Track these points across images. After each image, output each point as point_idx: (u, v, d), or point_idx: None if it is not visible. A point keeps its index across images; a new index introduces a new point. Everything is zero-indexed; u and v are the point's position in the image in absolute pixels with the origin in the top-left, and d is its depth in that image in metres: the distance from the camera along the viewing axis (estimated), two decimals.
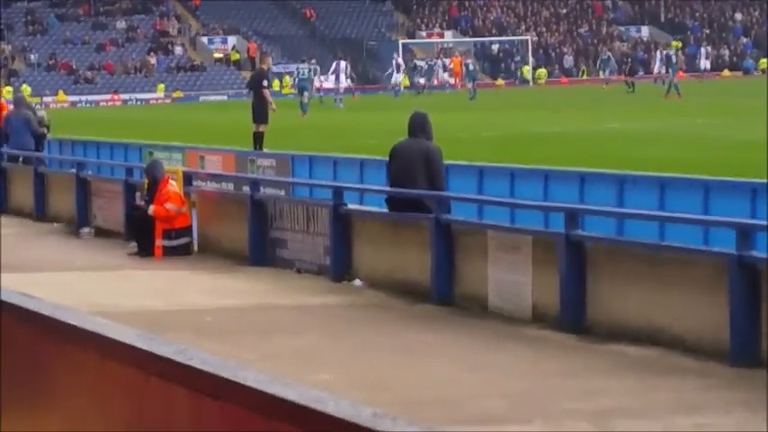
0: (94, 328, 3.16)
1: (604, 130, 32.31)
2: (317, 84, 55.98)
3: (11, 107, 25.09)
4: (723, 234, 10.29)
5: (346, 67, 55.65)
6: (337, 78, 53.72)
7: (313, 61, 53.14)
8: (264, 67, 28.95)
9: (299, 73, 48.52)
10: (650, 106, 44.37)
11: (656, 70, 61.91)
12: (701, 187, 14.37)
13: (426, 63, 69.99)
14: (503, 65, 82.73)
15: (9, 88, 62.40)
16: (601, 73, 66.51)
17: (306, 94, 47.02)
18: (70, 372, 3.38)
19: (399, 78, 63.39)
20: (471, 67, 61.76)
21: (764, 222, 10.72)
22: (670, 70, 53.21)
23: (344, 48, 78.94)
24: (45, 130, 24.56)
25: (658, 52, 56.94)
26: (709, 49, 73.15)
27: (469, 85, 59.53)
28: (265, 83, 26.96)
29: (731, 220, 10.45)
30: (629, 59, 56.08)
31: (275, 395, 2.38)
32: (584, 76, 78.51)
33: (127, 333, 3.03)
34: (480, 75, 71.18)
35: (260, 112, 26.52)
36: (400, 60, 65.34)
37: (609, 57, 66.50)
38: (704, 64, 69.42)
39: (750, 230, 9.59)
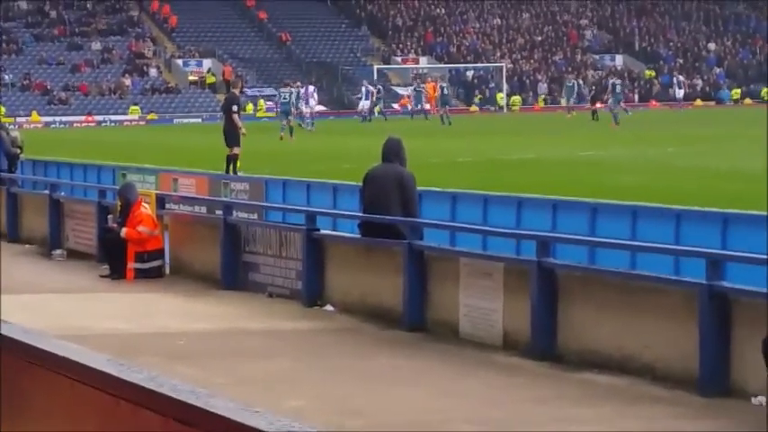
0: (65, 353, 3.16)
1: (577, 157, 32.44)
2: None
3: None
4: (694, 263, 10.34)
5: (314, 92, 55.93)
6: (307, 102, 54.03)
7: (297, 84, 53.29)
8: (236, 91, 29.08)
9: (281, 97, 48.71)
10: (622, 134, 44.57)
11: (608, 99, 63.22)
12: (673, 216, 14.45)
13: (414, 89, 70.30)
14: (477, 91, 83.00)
15: None
16: (563, 101, 67.01)
17: (290, 117, 47.35)
18: (40, 396, 3.38)
19: (367, 105, 63.70)
20: (446, 91, 61.98)
21: (735, 252, 10.80)
22: (611, 100, 54.40)
23: (320, 72, 79.16)
24: (18, 151, 24.51)
25: (610, 83, 57.82)
26: (681, 78, 73.68)
27: (441, 111, 59.78)
28: (235, 107, 27.09)
29: (702, 249, 10.51)
30: (594, 88, 56.50)
31: (245, 423, 2.39)
32: (542, 104, 78.76)
33: (97, 359, 3.04)
34: (454, 101, 71.33)
35: (231, 136, 26.69)
36: (370, 87, 65.61)
37: (573, 84, 66.87)
38: (678, 93, 69.94)
39: (720, 260, 9.65)
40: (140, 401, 2.75)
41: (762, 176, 23.74)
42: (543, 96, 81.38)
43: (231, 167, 26.59)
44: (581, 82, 68.71)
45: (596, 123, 54.32)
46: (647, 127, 49.37)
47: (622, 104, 54.68)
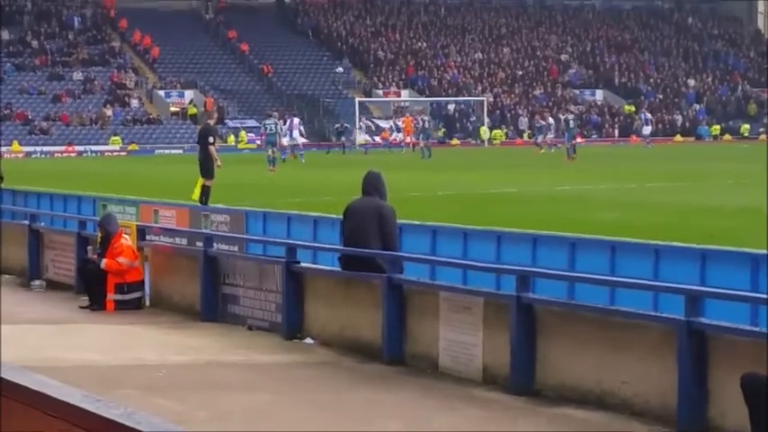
0: (40, 387, 3.16)
1: (558, 192, 32.53)
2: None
3: None
4: (673, 299, 10.37)
5: (300, 124, 56.18)
6: (291, 134, 54.32)
7: (275, 115, 53.54)
8: (211, 122, 29.14)
9: (266, 128, 48.96)
10: (602, 170, 44.71)
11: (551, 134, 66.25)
12: (652, 252, 14.50)
13: (394, 122, 70.84)
14: (458, 125, 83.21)
15: None
16: (536, 138, 67.83)
17: (274, 149, 47.77)
18: (12, 430, 3.37)
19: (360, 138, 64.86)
20: (427, 125, 62.13)
21: (713, 289, 10.84)
22: (566, 134, 55.92)
23: (300, 104, 79.27)
24: None
25: (563, 120, 59.13)
26: (649, 115, 74.45)
27: (421, 144, 60.02)
28: (211, 139, 27.08)
29: (681, 286, 10.55)
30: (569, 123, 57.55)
31: None
32: (525, 138, 79.04)
33: (72, 393, 3.03)
34: (435, 134, 71.54)
35: (206, 167, 26.72)
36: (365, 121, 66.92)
37: (542, 125, 67.61)
38: (645, 130, 70.84)
39: (699, 297, 9.68)
40: None
41: (739, 212, 23.85)
42: (525, 131, 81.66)
43: (203, 198, 26.59)
44: (550, 120, 69.42)
45: (577, 159, 54.47)
46: (626, 162, 49.53)
47: (577, 140, 56.71)
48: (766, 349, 8.58)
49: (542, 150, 62.84)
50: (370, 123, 72.22)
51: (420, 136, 62.28)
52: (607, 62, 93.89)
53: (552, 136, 66.76)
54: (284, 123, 54.87)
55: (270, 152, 47.19)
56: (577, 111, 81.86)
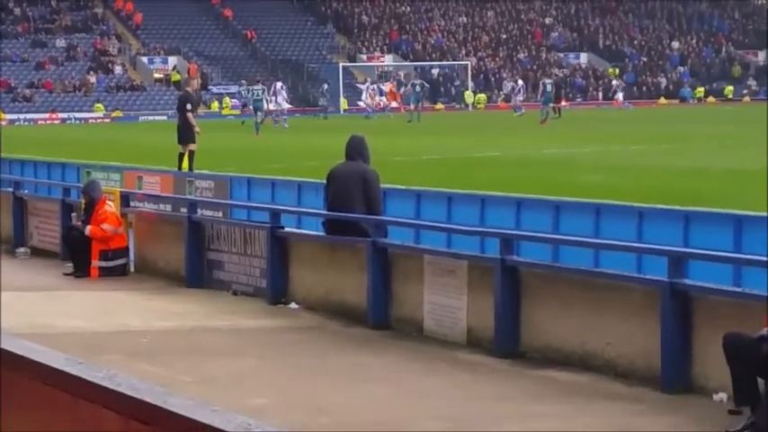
0: (23, 351, 3.17)
1: (542, 155, 32.56)
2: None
3: None
4: (656, 261, 10.41)
5: (282, 88, 56.29)
6: (276, 100, 54.60)
7: (261, 81, 53.78)
8: (189, 89, 29.17)
9: (252, 94, 49.98)
10: (586, 133, 44.75)
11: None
12: (635, 214, 14.54)
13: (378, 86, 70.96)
14: (442, 89, 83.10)
15: None
16: (513, 100, 68.26)
17: (259, 114, 48.43)
18: (2, 394, 3.38)
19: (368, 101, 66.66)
20: (418, 88, 61.87)
21: (696, 250, 10.88)
22: (543, 98, 56.22)
23: (285, 69, 79.08)
24: None
25: (541, 83, 59.53)
26: (618, 82, 75.37)
27: (412, 107, 60.11)
28: (189, 106, 27.17)
29: (664, 247, 10.58)
30: (554, 86, 57.88)
31: (203, 422, 2.41)
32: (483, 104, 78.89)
33: (56, 357, 3.05)
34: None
35: (185, 134, 26.80)
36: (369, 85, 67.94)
37: (512, 87, 68.22)
38: (618, 96, 71.80)
39: (682, 258, 9.72)
40: (99, 400, 2.76)
41: (723, 174, 23.93)
42: (506, 94, 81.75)
43: (188, 163, 26.63)
44: (520, 83, 69.90)
45: (561, 122, 54.52)
46: (610, 125, 49.58)
47: (551, 105, 56.40)
48: (748, 309, 8.63)
49: (516, 113, 63.26)
50: (375, 87, 72.31)
51: (411, 99, 62.19)
52: (591, 25, 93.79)
53: (521, 99, 67.04)
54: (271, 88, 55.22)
55: (257, 118, 47.75)
56: (561, 74, 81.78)
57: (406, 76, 75.46)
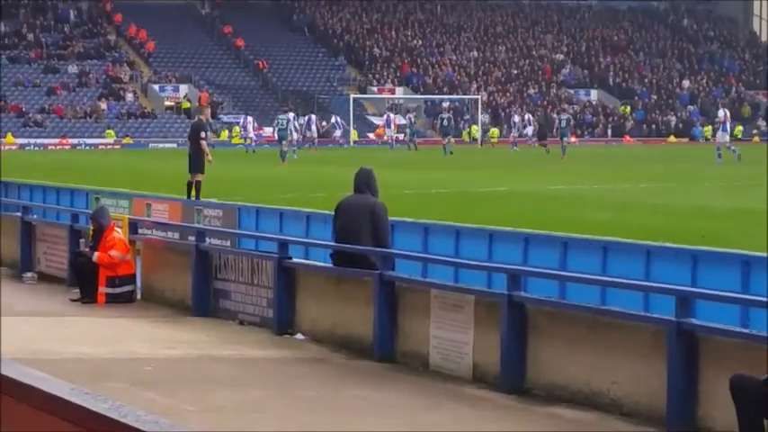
0: (29, 380, 3.16)
1: (550, 191, 32.55)
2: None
3: None
4: (663, 300, 10.39)
5: (295, 119, 57.22)
6: (309, 129, 56.66)
7: (288, 111, 55.63)
8: (203, 118, 29.27)
9: (278, 123, 51.48)
10: (595, 170, 44.74)
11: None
12: (643, 252, 14.52)
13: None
14: (452, 123, 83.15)
15: None
16: (512, 135, 68.80)
17: (284, 143, 50.15)
18: (2, 424, 3.37)
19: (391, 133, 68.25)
20: (445, 123, 63.61)
21: (704, 290, 10.85)
22: (560, 133, 56.93)
23: (296, 100, 79.26)
24: None
25: (556, 119, 60.20)
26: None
27: (445, 141, 61.35)
28: (203, 134, 27.24)
29: (671, 286, 10.56)
30: (569, 121, 58.61)
31: None
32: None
33: (61, 387, 3.03)
34: (430, 132, 71.62)
35: (196, 162, 26.81)
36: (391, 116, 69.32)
37: (518, 120, 69.01)
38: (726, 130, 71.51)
39: (689, 298, 9.70)
40: (104, 431, 2.75)
41: (731, 214, 23.88)
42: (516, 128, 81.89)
43: (195, 193, 26.66)
44: (516, 119, 70.41)
45: (570, 158, 54.55)
46: (619, 162, 49.58)
47: (566, 139, 56.77)
48: (755, 351, 8.59)
49: (517, 148, 63.98)
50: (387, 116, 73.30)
51: (407, 132, 64.94)
52: (602, 62, 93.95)
53: (516, 135, 67.71)
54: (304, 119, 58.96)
55: (282, 146, 49.43)
56: (572, 110, 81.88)
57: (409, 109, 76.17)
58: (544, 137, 65.14)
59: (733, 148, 49.30)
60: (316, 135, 62.41)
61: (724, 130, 49.23)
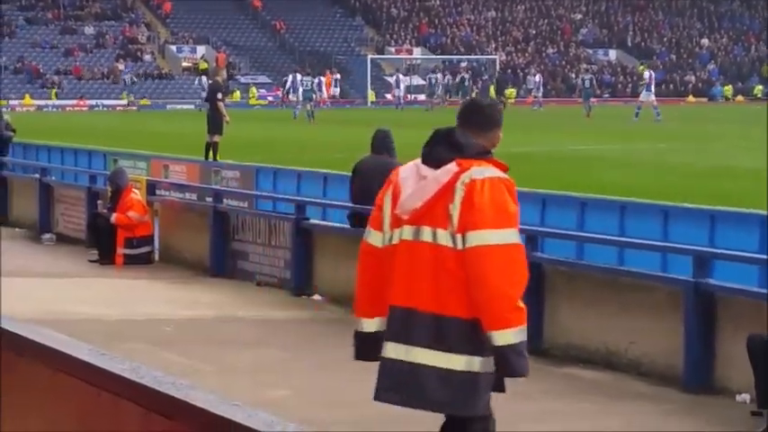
0: (46, 341, 3.18)
1: (568, 152, 32.48)
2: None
3: None
4: (681, 260, 10.38)
5: (302, 81, 57.40)
6: (295, 92, 57.08)
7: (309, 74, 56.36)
8: (219, 79, 29.41)
9: (303, 84, 53.61)
10: (613, 130, 44.61)
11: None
12: (661, 213, 14.47)
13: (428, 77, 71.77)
14: (470, 83, 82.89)
15: None
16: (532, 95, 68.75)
17: (311, 103, 52.75)
18: (20, 385, 3.39)
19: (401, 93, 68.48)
20: (466, 83, 63.96)
21: (721, 250, 10.83)
22: (583, 94, 57.83)
23: (313, 61, 79.10)
24: (12, 134, 24.46)
25: (579, 79, 60.41)
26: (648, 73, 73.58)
27: (460, 100, 61.39)
28: (220, 95, 27.44)
29: (689, 247, 10.55)
30: (592, 81, 59.02)
31: (224, 416, 2.41)
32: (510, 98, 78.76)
33: (79, 348, 3.05)
34: (450, 93, 71.48)
35: (214, 124, 27.02)
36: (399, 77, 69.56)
37: (531, 79, 69.25)
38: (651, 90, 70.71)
39: (707, 258, 9.69)
40: (121, 392, 2.77)
41: (749, 174, 23.81)
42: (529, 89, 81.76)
43: (212, 154, 26.84)
44: (537, 79, 70.17)
45: (588, 119, 54.41)
46: (638, 123, 49.42)
47: (592, 100, 57.37)
48: None
49: (540, 108, 64.08)
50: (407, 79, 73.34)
51: (429, 91, 65.48)
52: (621, 22, 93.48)
53: (539, 95, 67.71)
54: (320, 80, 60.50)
55: (308, 107, 51.76)
56: (591, 70, 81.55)
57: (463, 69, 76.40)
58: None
59: (659, 110, 49.99)
60: (325, 96, 63.55)
61: (648, 90, 51.63)
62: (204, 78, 66.03)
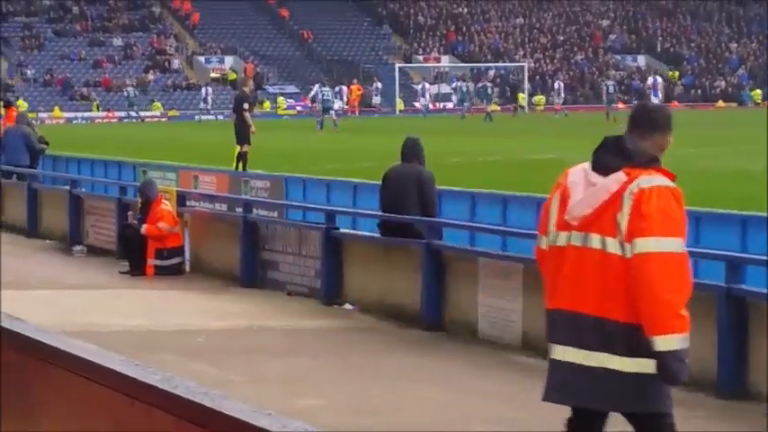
0: (79, 352, 3.18)
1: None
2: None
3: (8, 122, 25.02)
4: (713, 266, 10.32)
5: (321, 91, 57.69)
6: (318, 102, 57.83)
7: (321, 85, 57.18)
8: (246, 89, 29.57)
9: (323, 95, 54.42)
10: None
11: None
12: (692, 218, 14.40)
13: (458, 87, 72.07)
14: (498, 90, 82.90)
15: (22, 102, 62.86)
16: (557, 102, 68.53)
17: (332, 113, 53.50)
18: (53, 395, 3.40)
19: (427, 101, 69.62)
20: (489, 90, 64.35)
21: (754, 256, 10.77)
22: (605, 100, 59.17)
23: (341, 70, 79.25)
24: (45, 147, 24.55)
25: (603, 85, 61.05)
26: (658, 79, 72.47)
27: (488, 108, 61.75)
28: (246, 105, 27.60)
29: (721, 252, 10.50)
30: (615, 87, 59.68)
31: (257, 426, 2.41)
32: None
33: (111, 358, 3.05)
34: (475, 100, 71.46)
35: (242, 134, 27.20)
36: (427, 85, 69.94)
37: (558, 86, 69.17)
38: (558, 99, 69.55)
39: (739, 263, 9.63)
40: (154, 402, 2.77)
41: None
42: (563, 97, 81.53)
43: (241, 164, 26.99)
44: (557, 85, 70.31)
45: (614, 123, 54.30)
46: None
47: (620, 105, 58.42)
48: None
49: (562, 114, 64.10)
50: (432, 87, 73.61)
51: (484, 100, 65.35)
52: (650, 27, 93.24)
53: (560, 102, 67.64)
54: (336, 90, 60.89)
55: (332, 116, 52.77)
56: (618, 77, 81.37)
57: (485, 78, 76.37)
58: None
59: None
60: (346, 105, 64.64)
61: (655, 95, 57.09)
62: (209, 89, 67.24)
